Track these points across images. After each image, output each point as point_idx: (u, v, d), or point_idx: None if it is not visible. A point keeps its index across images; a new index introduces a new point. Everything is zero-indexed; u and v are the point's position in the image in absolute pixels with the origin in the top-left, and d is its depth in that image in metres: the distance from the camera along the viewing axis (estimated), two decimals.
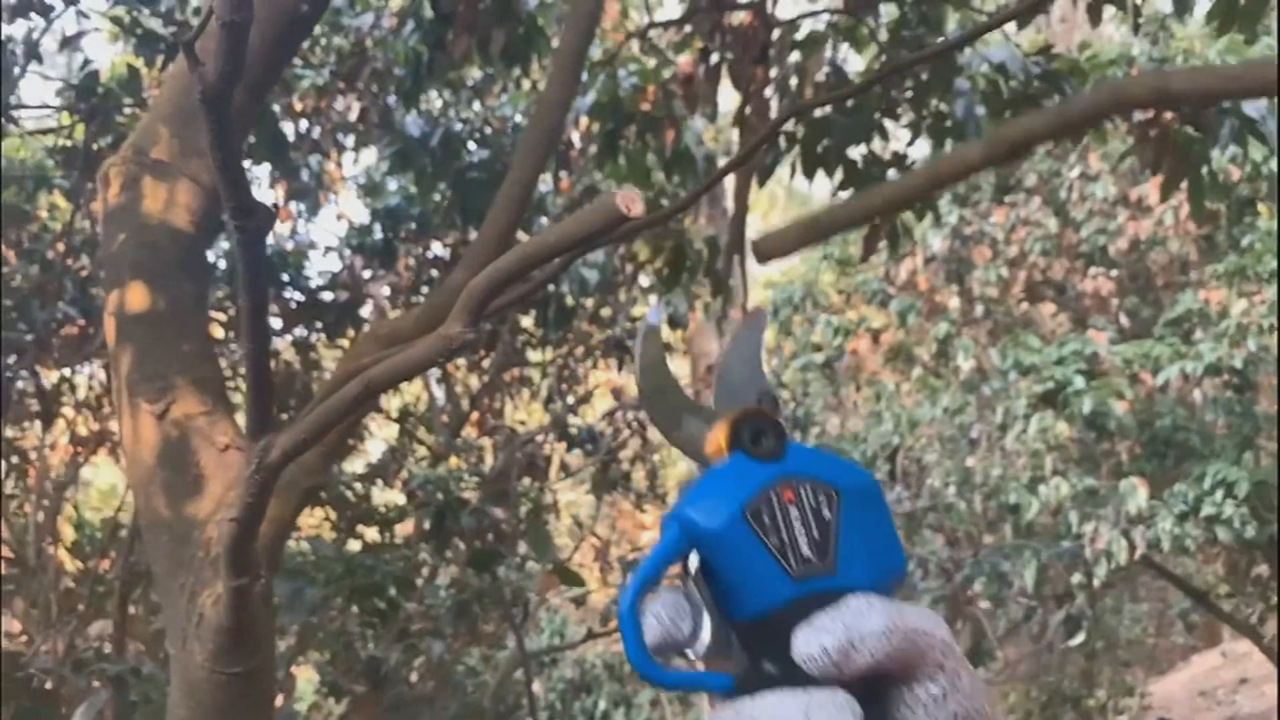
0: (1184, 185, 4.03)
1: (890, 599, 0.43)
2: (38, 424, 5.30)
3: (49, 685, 2.02)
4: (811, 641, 0.41)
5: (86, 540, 4.08)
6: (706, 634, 0.43)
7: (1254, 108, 3.97)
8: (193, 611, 1.40)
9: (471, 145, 4.84)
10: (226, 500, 1.43)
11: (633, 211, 0.81)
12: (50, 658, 2.24)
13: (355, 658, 3.99)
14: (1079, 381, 6.28)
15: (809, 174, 4.29)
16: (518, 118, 5.27)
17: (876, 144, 4.20)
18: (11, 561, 4.23)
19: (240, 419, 1.44)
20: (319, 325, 5.26)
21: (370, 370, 1.00)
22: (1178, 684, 12.42)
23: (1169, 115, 4.12)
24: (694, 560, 0.44)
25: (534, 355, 7.02)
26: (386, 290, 6.13)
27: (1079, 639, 5.73)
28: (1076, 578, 5.44)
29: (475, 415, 6.81)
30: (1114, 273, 7.61)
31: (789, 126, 4.47)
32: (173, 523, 1.44)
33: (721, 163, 6.99)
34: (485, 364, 6.51)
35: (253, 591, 1.32)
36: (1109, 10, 3.76)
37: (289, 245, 5.10)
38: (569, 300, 5.37)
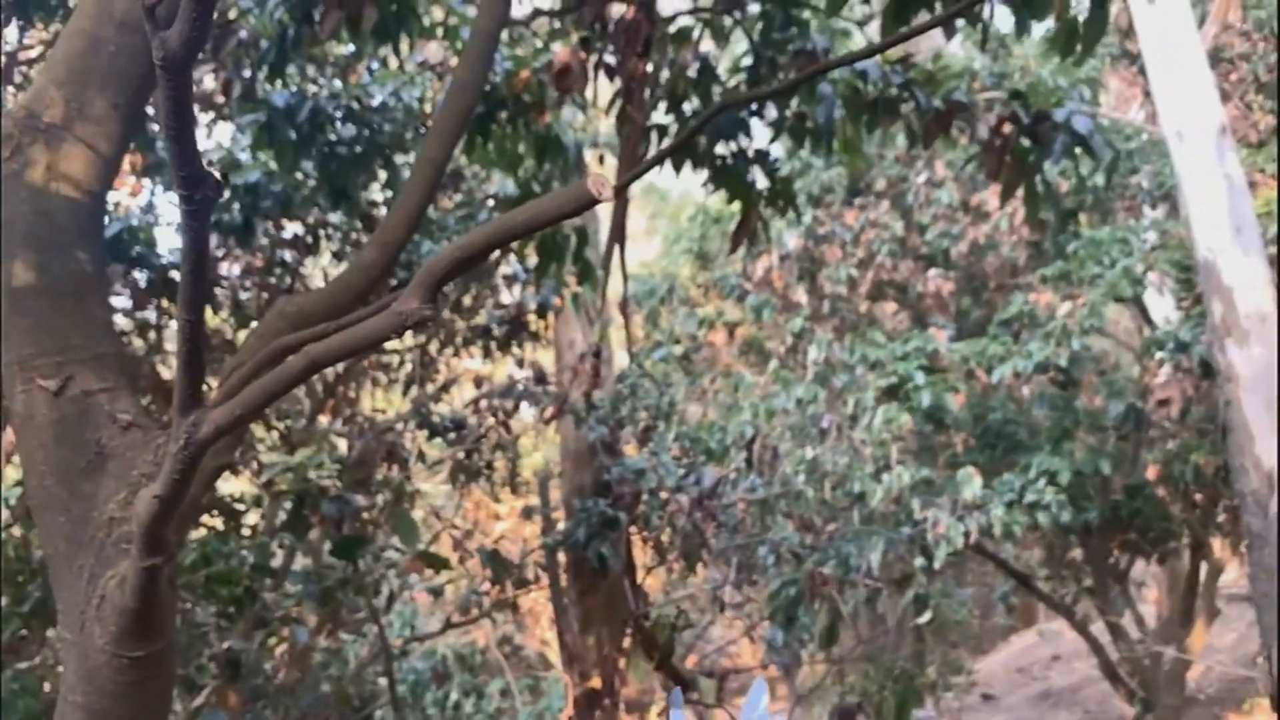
0: (1019, 193, 4.35)
1: None
2: None
3: None
4: None
5: None
6: None
7: (1083, 123, 4.32)
8: (93, 593, 1.35)
9: (338, 123, 4.71)
10: (129, 480, 1.39)
11: (603, 195, 0.86)
12: None
13: (211, 648, 3.85)
14: (919, 377, 6.65)
15: (678, 168, 4.40)
16: (384, 97, 5.16)
17: (742, 141, 4.36)
18: None
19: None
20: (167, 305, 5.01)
21: (315, 347, 1.01)
22: (999, 662, 13.31)
23: (1009, 128, 4.44)
24: None
25: (391, 342, 6.89)
26: (238, 270, 5.90)
27: (927, 616, 6.08)
28: (919, 561, 5.77)
29: (331, 402, 6.64)
30: (952, 274, 8.08)
31: (661, 120, 4.57)
32: (70, 503, 1.38)
33: (589, 153, 7.04)
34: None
35: (162, 572, 1.30)
36: (961, 22, 4.00)
37: (138, 222, 4.83)
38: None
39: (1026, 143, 4.34)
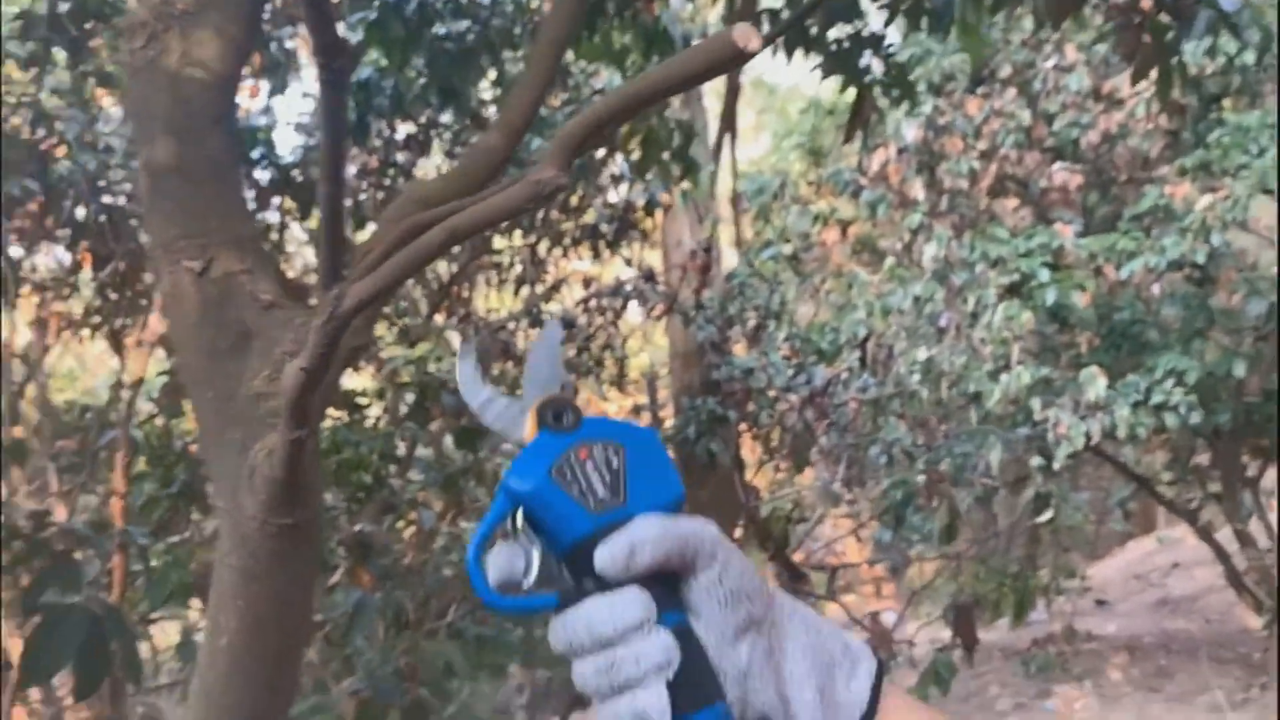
0: (1153, 74, 4.06)
1: (669, 515, 0.57)
2: None
3: (68, 546, 2.04)
4: (603, 553, 0.56)
5: (71, 417, 4.06)
6: (534, 571, 0.57)
7: (1228, 1, 3.98)
8: (244, 465, 1.41)
9: (446, 17, 4.68)
10: (272, 357, 1.43)
11: (750, 47, 0.81)
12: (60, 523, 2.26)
13: (340, 532, 4.06)
14: (1043, 274, 6.39)
15: (790, 54, 4.24)
16: None
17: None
18: None
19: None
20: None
21: (454, 219, 1.01)
22: (1114, 568, 13.05)
23: (1148, 3, 4.13)
24: (519, 516, 0.57)
25: (500, 243, 6.96)
26: (353, 171, 6.01)
27: (1048, 515, 5.98)
28: (1037, 461, 5.64)
29: (445, 302, 6.78)
30: (1079, 167, 7.68)
31: (772, 5, 4.40)
32: (218, 380, 1.44)
33: (696, 43, 6.86)
34: (455, 250, 6.44)
35: (307, 444, 1.34)
36: None
37: (258, 122, 4.94)
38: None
39: (1165, 19, 4.03)
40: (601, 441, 0.58)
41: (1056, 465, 5.47)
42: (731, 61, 0.80)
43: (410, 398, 5.01)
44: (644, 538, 0.56)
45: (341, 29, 5.31)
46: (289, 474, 1.37)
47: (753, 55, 0.78)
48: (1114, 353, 6.89)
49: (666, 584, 0.57)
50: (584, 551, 0.56)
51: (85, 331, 5.71)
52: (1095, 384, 5.67)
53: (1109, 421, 5.93)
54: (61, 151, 4.88)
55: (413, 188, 1.58)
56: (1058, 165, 7.65)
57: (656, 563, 0.56)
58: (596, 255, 6.45)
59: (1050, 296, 6.24)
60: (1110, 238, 6.59)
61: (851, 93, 4.12)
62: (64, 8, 3.80)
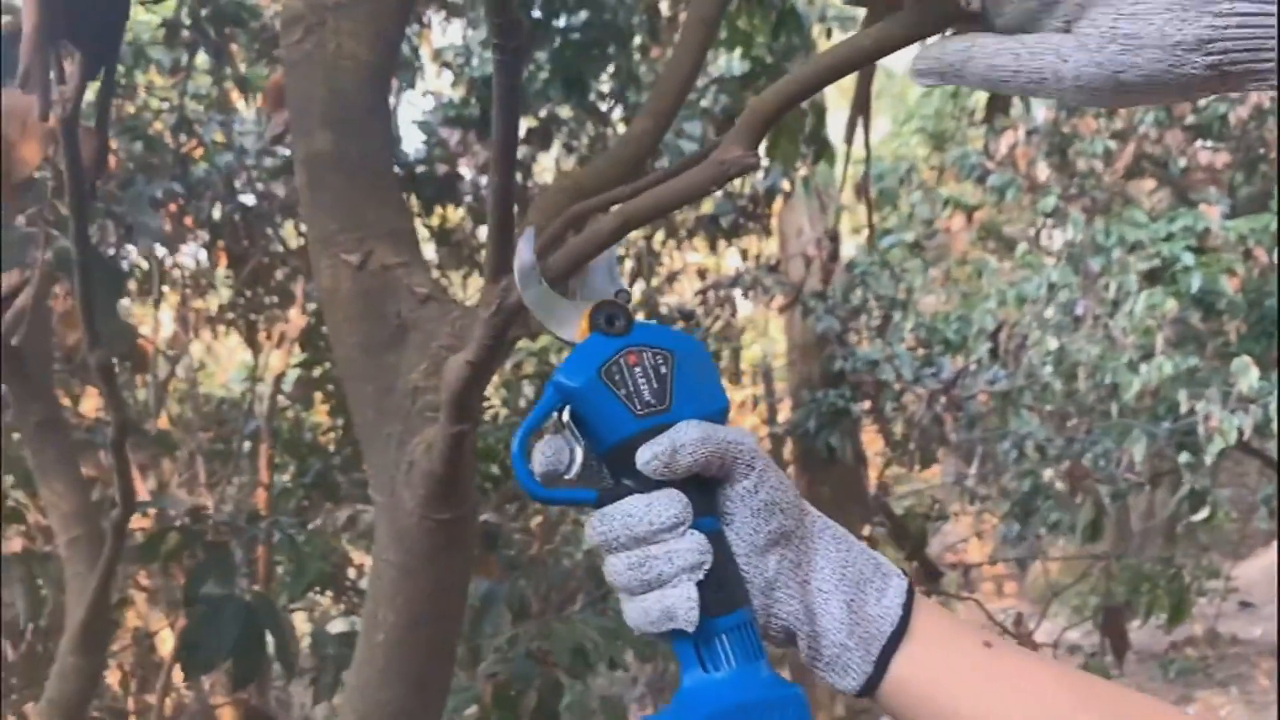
0: None
1: (712, 423, 0.60)
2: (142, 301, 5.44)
3: (223, 538, 2.10)
4: (645, 453, 0.59)
5: (215, 410, 4.21)
6: (577, 464, 0.60)
7: None
8: (401, 459, 1.40)
9: (569, 9, 4.68)
10: (429, 351, 1.42)
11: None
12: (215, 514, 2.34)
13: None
14: (1187, 258, 6.04)
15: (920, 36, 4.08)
16: None
17: None
18: (131, 430, 4.37)
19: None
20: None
21: (629, 205, 0.96)
22: (1259, 569, 12.34)
23: None
24: (565, 412, 0.60)
25: None
26: (473, 166, 6.07)
27: (1204, 513, 5.66)
28: (1184, 457, 5.34)
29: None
30: (1224, 145, 7.24)
31: None
32: (376, 373, 1.43)
33: (817, 30, 6.70)
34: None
35: (468, 438, 1.32)
36: None
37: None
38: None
39: None
40: (652, 348, 0.61)
41: (1208, 460, 5.17)
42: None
43: (531, 390, 5.05)
44: (685, 441, 0.58)
45: (457, 33, 5.37)
46: (448, 469, 1.36)
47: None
48: (1265, 341, 6.47)
49: (703, 489, 0.59)
50: (626, 451, 0.59)
51: (221, 327, 5.93)
52: (1248, 374, 5.33)
53: (1261, 415, 5.57)
54: (199, 154, 5.07)
55: (564, 177, 1.55)
56: (1200, 144, 7.23)
57: (696, 466, 0.58)
58: (713, 247, 6.39)
59: (1196, 282, 5.90)
60: (1261, 218, 6.19)
61: None
62: (204, 13, 3.93)
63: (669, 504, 0.58)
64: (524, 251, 0.66)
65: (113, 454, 1.59)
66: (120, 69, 4.89)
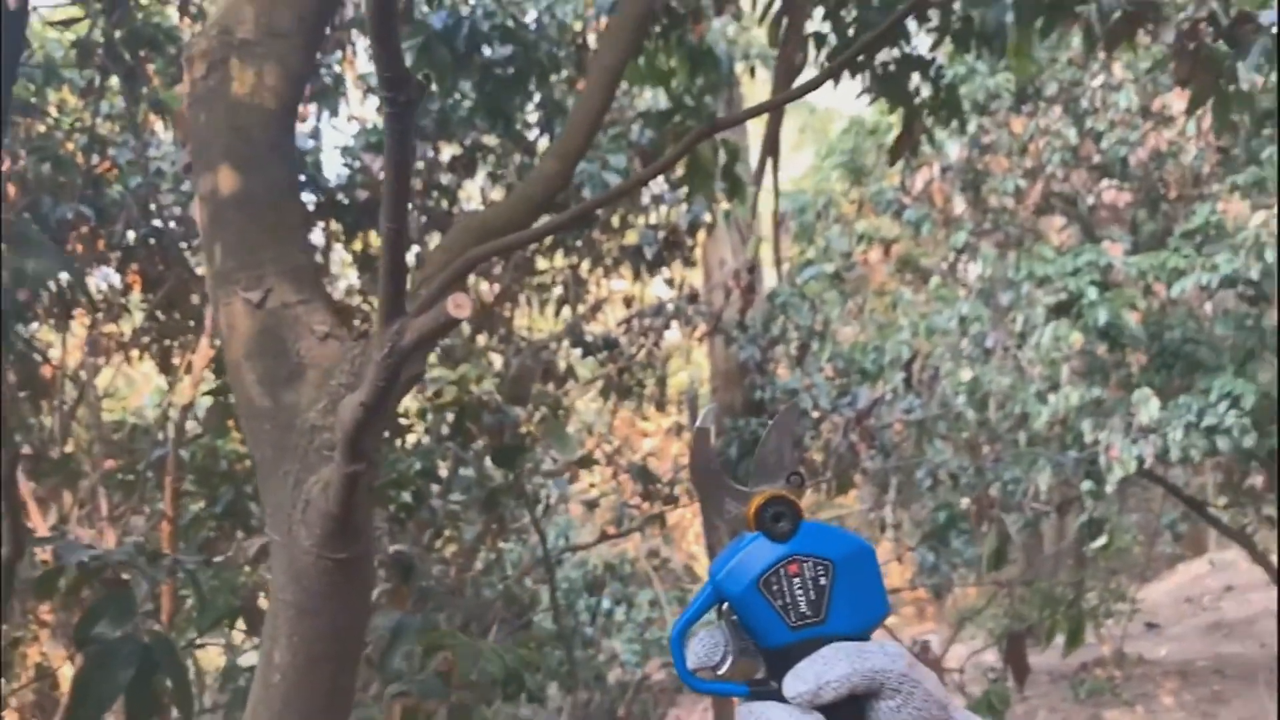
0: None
1: (863, 643, 0.60)
2: (48, 324, 5.28)
3: (121, 575, 2.04)
4: (792, 686, 0.59)
5: (125, 437, 4.10)
6: (728, 664, 0.61)
7: None
8: (298, 498, 1.40)
9: (494, 43, 4.71)
10: (328, 389, 1.42)
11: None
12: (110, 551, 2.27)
13: (382, 552, 4.06)
14: (1092, 292, 6.29)
15: (836, 78, 4.20)
16: (538, 14, 5.13)
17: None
18: (32, 460, 4.24)
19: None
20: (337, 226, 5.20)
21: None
22: (1165, 591, 12.78)
23: (1204, 28, 4.04)
24: (726, 607, 0.62)
25: (543, 263, 6.97)
26: None
27: (1101, 541, 5.85)
28: (1087, 485, 5.52)
29: (486, 323, 6.79)
30: (1127, 185, 7.56)
31: (816, 27, 4.36)
32: (274, 412, 1.43)
33: (741, 66, 6.84)
34: (497, 271, 6.46)
35: (363, 478, 1.33)
36: None
37: (306, 145, 4.99)
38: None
39: (1222, 46, 3.95)
40: (814, 559, 0.61)
41: (1108, 489, 5.35)
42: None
43: (451, 417, 5.02)
44: (831, 677, 0.59)
45: None
46: (344, 509, 1.36)
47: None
48: (1165, 373, 6.75)
49: (854, 701, 0.60)
50: (779, 658, 0.61)
51: (135, 352, 5.79)
52: (1148, 405, 5.55)
53: (1161, 444, 5.80)
54: (113, 175, 4.96)
55: (470, 217, 1.57)
56: (1106, 182, 7.54)
57: (840, 698, 0.59)
58: (638, 276, 6.44)
59: (1101, 315, 6.13)
60: (1161, 255, 6.47)
61: (895, 111, 4.07)
62: (119, 35, 3.86)
63: None
64: (704, 420, 0.67)
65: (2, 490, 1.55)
66: (30, 88, 4.78)
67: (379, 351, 1.10)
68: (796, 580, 0.60)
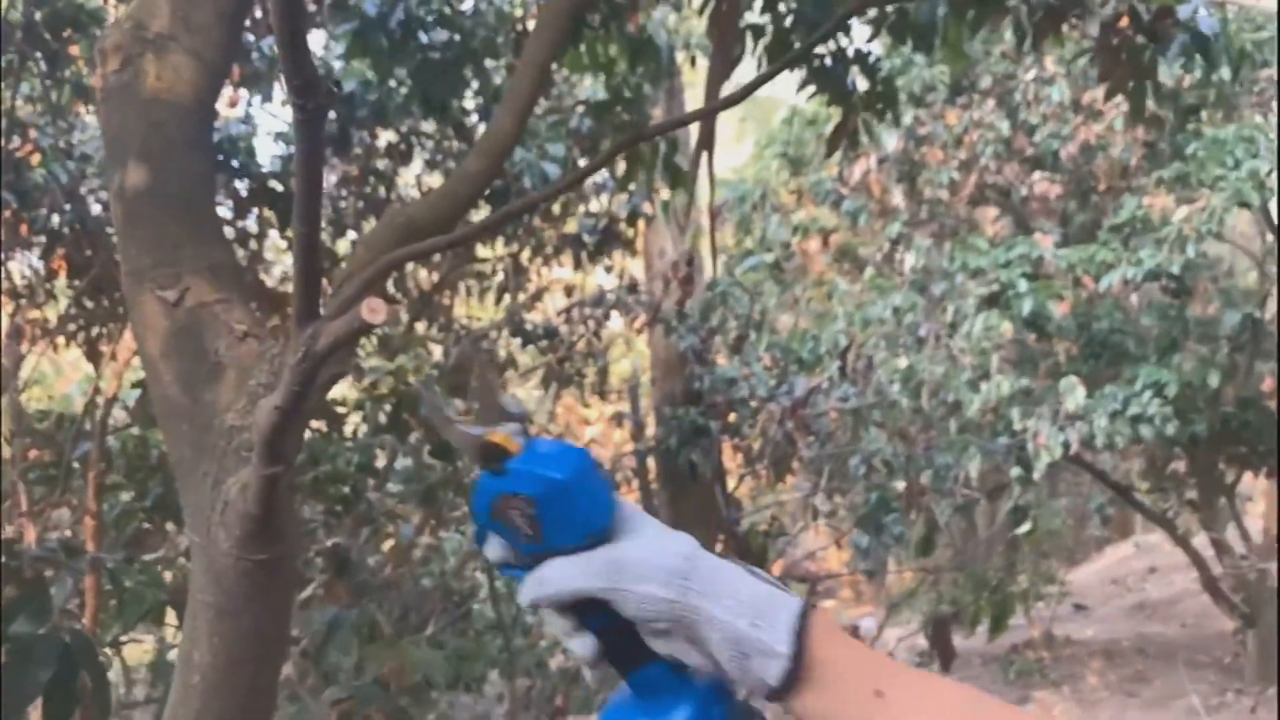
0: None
1: (565, 563, 0.70)
2: None
3: (39, 572, 2.00)
4: (522, 596, 0.72)
5: (50, 427, 4.00)
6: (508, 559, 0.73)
7: (1207, 23, 4.01)
8: (217, 499, 1.39)
9: (430, 29, 4.65)
10: (247, 389, 1.41)
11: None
12: (31, 545, 2.22)
13: (318, 545, 4.03)
14: (1022, 284, 6.43)
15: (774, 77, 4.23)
16: (475, 1, 5.08)
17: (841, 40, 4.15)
18: None
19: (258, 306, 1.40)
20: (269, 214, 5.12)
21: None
22: (1092, 573, 13.15)
23: (1127, 23, 4.15)
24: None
25: (483, 251, 6.93)
26: (334, 180, 5.96)
27: (1026, 526, 6.00)
28: (1016, 471, 5.66)
29: (425, 311, 6.74)
30: (1059, 177, 7.72)
31: (754, 19, 4.39)
32: (192, 411, 1.41)
33: (681, 55, 6.85)
34: (436, 259, 6.40)
35: (282, 480, 1.32)
36: None
37: (237, 131, 4.89)
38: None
39: (1142, 40, 4.05)
40: (520, 496, 0.70)
41: (1036, 475, 5.50)
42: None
43: (388, 408, 4.97)
44: (535, 598, 0.71)
45: (325, 40, 5.29)
46: (263, 510, 1.35)
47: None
48: (1093, 362, 6.93)
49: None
50: (534, 560, 0.72)
51: (60, 339, 5.65)
52: (1074, 394, 5.70)
53: (1087, 431, 5.96)
54: (36, 159, 4.82)
55: (394, 213, 1.57)
56: (1037, 175, 7.70)
57: (556, 607, 0.71)
58: (579, 265, 6.43)
59: (1027, 306, 6.27)
60: (1089, 248, 6.63)
61: (835, 104, 4.11)
62: (39, 16, 3.75)
63: (554, 618, 0.72)
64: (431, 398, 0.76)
65: None
66: None
67: (293, 356, 1.09)
68: (515, 512, 0.70)
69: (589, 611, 0.70)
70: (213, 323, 1.42)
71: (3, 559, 1.88)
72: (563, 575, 0.70)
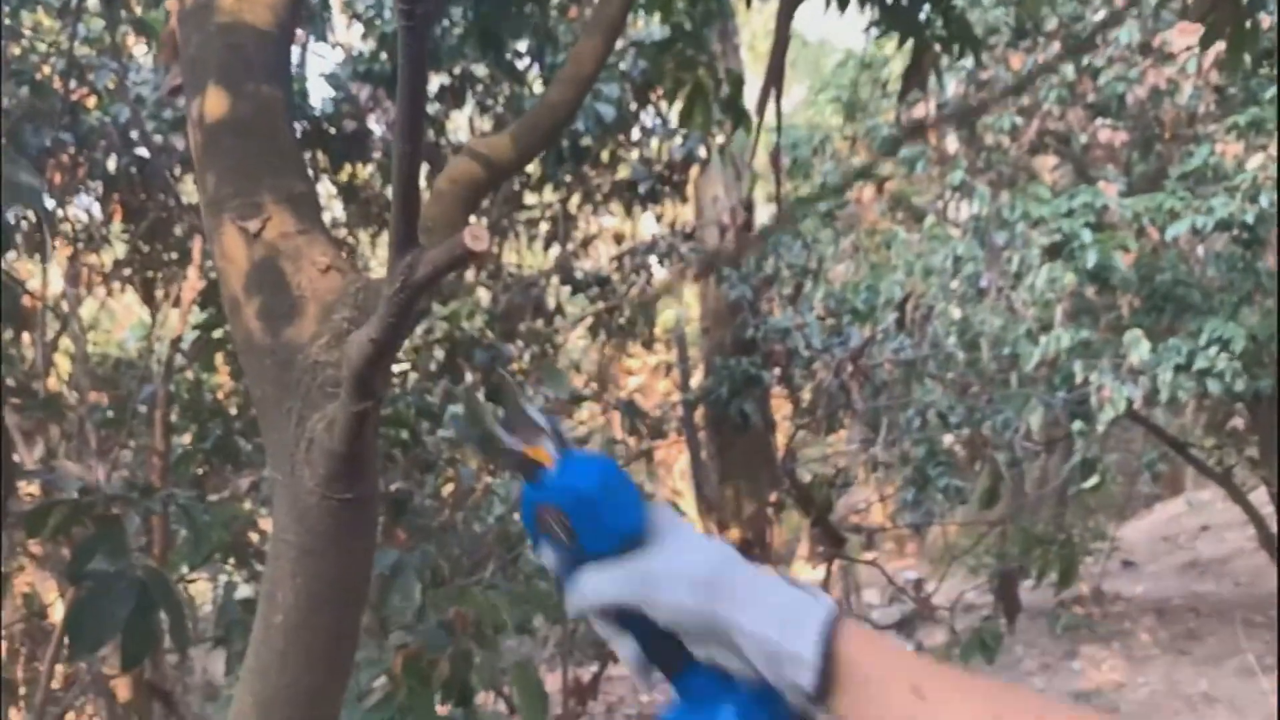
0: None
1: (601, 579, 0.74)
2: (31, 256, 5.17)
3: (113, 510, 2.00)
4: (569, 608, 0.76)
5: (111, 371, 4.03)
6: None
7: None
8: (301, 436, 1.35)
9: None
10: (330, 324, 1.37)
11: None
12: (104, 485, 2.23)
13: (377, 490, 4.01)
14: (1085, 234, 6.24)
15: (843, 7, 4.08)
16: None
17: None
18: (17, 393, 4.16)
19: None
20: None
21: None
22: (1142, 530, 12.98)
23: None
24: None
25: (531, 199, 6.85)
26: (383, 122, 5.90)
27: (1093, 480, 5.89)
28: (1078, 425, 5.53)
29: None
30: (1123, 124, 7.46)
31: None
32: (274, 347, 1.37)
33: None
34: (486, 205, 6.35)
35: (370, 417, 1.28)
36: None
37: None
38: (585, 140, 5.17)
39: None
40: (552, 506, 0.75)
41: (1099, 429, 5.37)
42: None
43: (441, 354, 4.97)
44: (582, 608, 0.75)
45: None
46: (350, 448, 1.31)
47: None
48: (1156, 315, 6.75)
49: None
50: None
51: (116, 284, 5.69)
52: (1138, 347, 5.55)
53: (1150, 386, 5.81)
54: (93, 102, 4.81)
55: (475, 143, 1.50)
56: (1100, 121, 7.45)
57: (599, 615, 0.75)
58: (629, 212, 6.34)
59: (1093, 257, 6.09)
60: (1156, 197, 6.42)
61: (886, 45, 3.97)
62: None
63: (601, 626, 0.77)
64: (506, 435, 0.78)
65: None
66: (4, 9, 4.60)
67: (390, 285, 1.04)
68: (552, 522, 0.75)
69: (629, 619, 0.74)
70: (295, 255, 1.37)
71: (79, 497, 1.88)
72: (596, 586, 0.74)
